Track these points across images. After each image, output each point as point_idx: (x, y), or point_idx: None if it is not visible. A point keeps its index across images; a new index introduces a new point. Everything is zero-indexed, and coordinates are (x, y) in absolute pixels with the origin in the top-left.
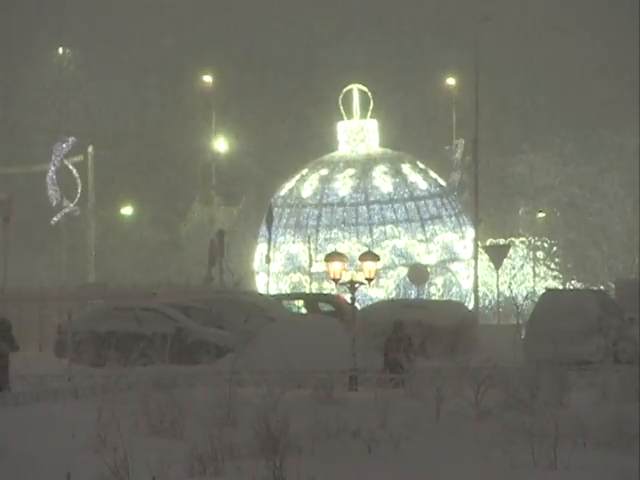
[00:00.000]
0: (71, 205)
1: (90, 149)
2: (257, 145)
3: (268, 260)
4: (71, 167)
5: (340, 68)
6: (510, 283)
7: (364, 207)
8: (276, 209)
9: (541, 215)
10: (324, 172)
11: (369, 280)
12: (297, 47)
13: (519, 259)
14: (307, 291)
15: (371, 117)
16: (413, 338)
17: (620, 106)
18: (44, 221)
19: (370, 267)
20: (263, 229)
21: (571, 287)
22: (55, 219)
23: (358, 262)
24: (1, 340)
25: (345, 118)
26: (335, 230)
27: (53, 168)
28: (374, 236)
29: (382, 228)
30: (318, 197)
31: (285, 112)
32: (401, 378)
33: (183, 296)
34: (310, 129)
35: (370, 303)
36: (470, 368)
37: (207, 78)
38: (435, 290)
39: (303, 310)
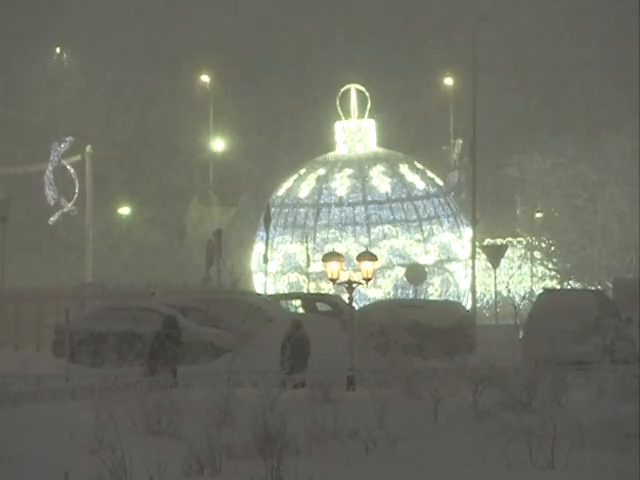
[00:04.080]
0: (69, 205)
1: (88, 149)
2: (255, 145)
3: (266, 260)
4: (69, 167)
5: (338, 68)
6: (508, 283)
7: (362, 207)
8: (274, 209)
9: (539, 215)
10: (322, 172)
11: (367, 280)
12: (294, 47)
13: (517, 259)
14: (305, 291)
15: (369, 117)
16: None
17: (619, 106)
18: (42, 221)
19: (368, 267)
20: (261, 229)
21: (569, 287)
22: (53, 219)
23: (356, 262)
24: (170, 335)
25: (343, 118)
26: (333, 230)
27: (51, 168)
28: (372, 236)
29: (380, 228)
30: (316, 197)
31: (283, 112)
32: (302, 378)
33: (181, 296)
34: (308, 129)
35: (367, 303)
36: (468, 368)
37: (205, 78)
38: (433, 290)
39: (301, 310)
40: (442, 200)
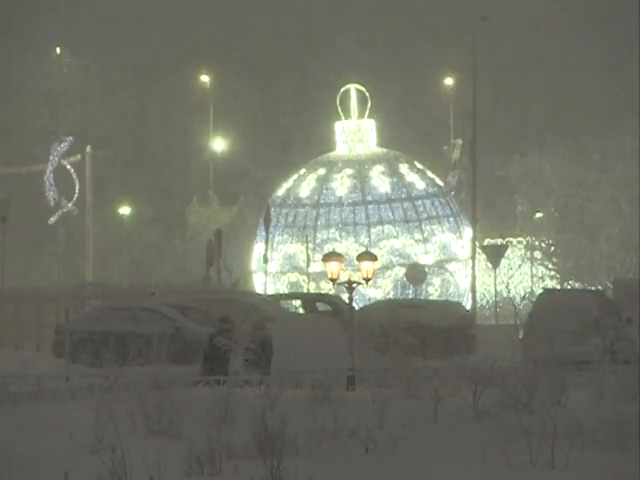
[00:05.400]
0: (69, 205)
1: (88, 149)
2: (255, 145)
3: (266, 260)
4: (69, 167)
5: (338, 68)
6: (508, 283)
7: (362, 207)
8: (274, 209)
9: (539, 215)
10: (322, 172)
11: (367, 280)
12: (295, 47)
13: (517, 259)
14: (305, 291)
15: (369, 117)
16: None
17: (619, 106)
18: (42, 221)
19: (368, 267)
20: (261, 229)
21: (569, 287)
22: (53, 219)
23: (356, 262)
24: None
25: (343, 118)
26: (333, 230)
27: (51, 168)
28: (372, 236)
29: (380, 228)
30: (316, 197)
31: (283, 112)
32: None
33: (181, 296)
34: (308, 129)
35: (368, 303)
36: (468, 368)
37: (204, 78)
38: (433, 290)
39: (301, 310)
40: (442, 200)
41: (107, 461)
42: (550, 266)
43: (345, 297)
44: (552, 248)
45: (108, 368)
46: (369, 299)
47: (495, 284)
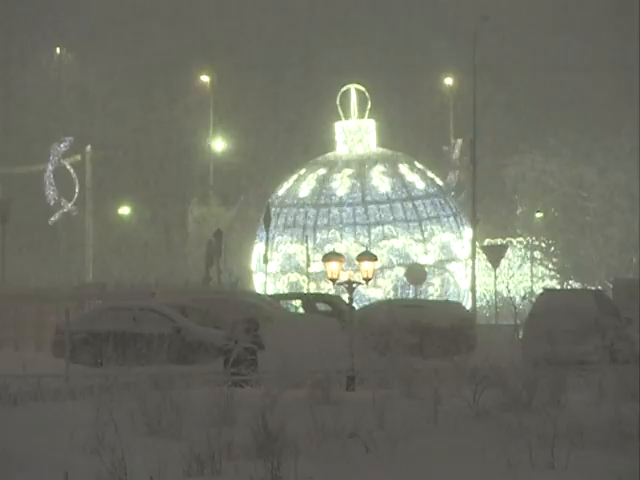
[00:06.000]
0: (69, 205)
1: (88, 149)
2: (255, 145)
3: (266, 260)
4: (69, 167)
5: (338, 68)
6: (508, 283)
7: (362, 207)
8: (274, 209)
9: (539, 215)
10: (322, 172)
11: (367, 280)
12: (295, 47)
13: (517, 259)
14: (305, 291)
15: (369, 117)
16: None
17: (618, 106)
18: (42, 221)
19: (368, 267)
20: (261, 229)
21: (569, 287)
22: (53, 219)
23: (356, 262)
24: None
25: (343, 118)
26: (333, 230)
27: (51, 168)
28: (372, 236)
29: (380, 228)
30: (316, 197)
31: (283, 112)
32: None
33: (181, 296)
34: (308, 129)
35: (368, 303)
36: (468, 368)
37: (205, 78)
38: (433, 290)
39: (301, 310)
40: (442, 200)
41: (107, 461)
42: (550, 266)
43: (345, 297)
44: (552, 248)
45: (108, 368)
46: (369, 299)
47: (495, 284)
